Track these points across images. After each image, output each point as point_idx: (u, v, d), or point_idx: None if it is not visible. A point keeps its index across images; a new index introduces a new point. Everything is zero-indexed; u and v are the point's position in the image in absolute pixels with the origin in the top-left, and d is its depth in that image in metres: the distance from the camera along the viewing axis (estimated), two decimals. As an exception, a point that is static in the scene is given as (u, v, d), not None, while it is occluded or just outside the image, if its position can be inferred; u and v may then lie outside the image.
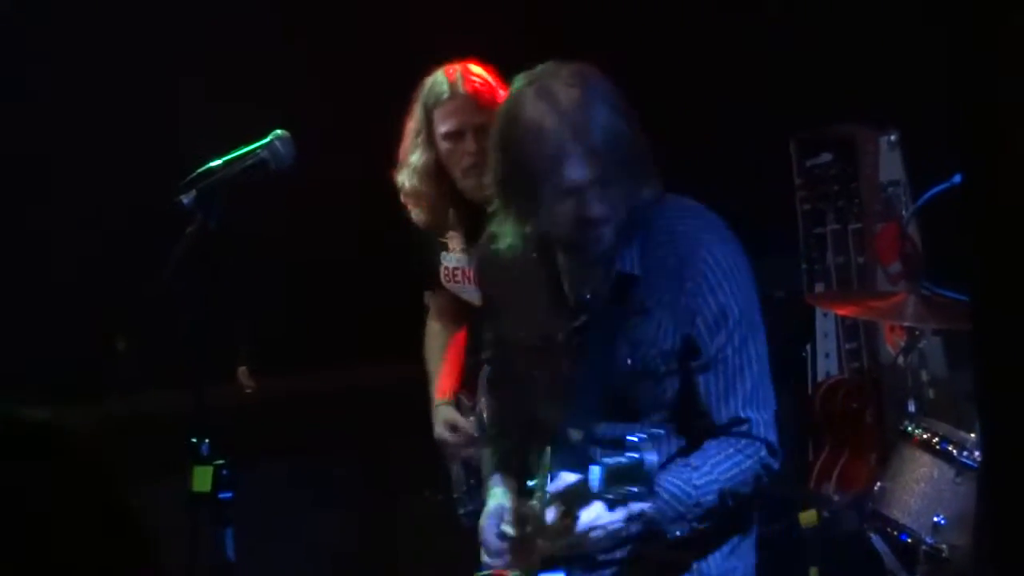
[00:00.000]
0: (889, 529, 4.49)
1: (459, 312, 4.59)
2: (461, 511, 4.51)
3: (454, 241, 4.50)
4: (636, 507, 3.15)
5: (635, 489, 3.03)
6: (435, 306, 4.71)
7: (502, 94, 3.91)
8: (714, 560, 3.41)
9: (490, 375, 3.84)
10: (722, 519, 3.33)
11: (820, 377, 6.11)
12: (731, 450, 3.28)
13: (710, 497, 3.26)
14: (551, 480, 3.26)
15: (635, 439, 3.03)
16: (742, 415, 3.28)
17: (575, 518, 3.15)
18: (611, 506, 3.12)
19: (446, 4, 5.62)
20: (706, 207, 3.40)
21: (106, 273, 5.34)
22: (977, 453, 4.35)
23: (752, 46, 5.80)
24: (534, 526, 3.33)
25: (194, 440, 3.38)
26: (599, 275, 3.31)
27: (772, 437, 3.32)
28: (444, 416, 4.50)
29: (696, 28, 5.88)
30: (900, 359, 5.53)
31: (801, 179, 6.31)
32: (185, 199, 3.45)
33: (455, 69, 4.30)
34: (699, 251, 3.27)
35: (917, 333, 5.38)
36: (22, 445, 1.71)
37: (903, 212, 5.80)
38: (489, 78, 4.31)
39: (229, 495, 3.37)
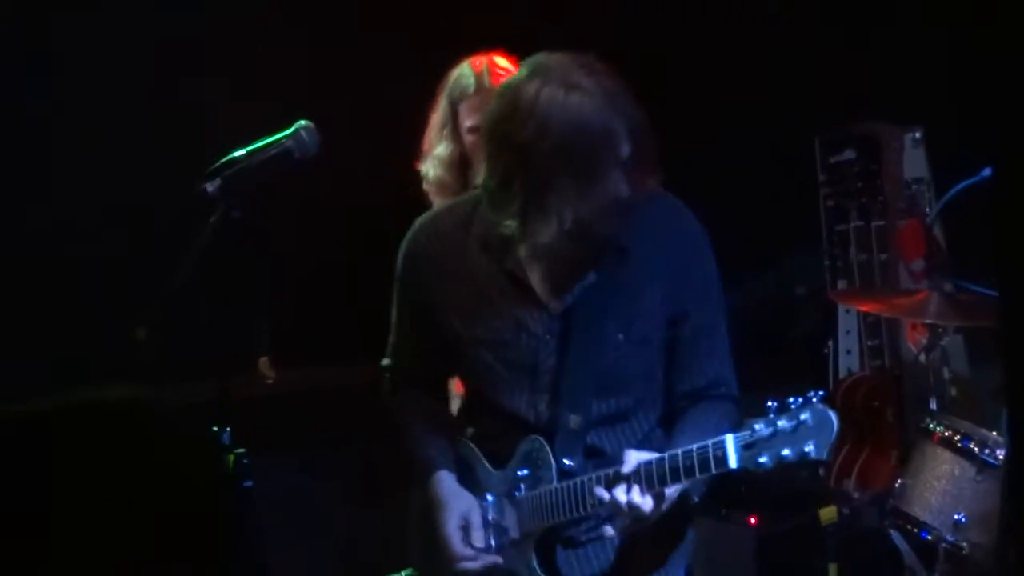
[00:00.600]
0: (909, 526, 4.48)
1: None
2: None
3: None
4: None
5: (764, 459, 3.05)
6: None
7: None
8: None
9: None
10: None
11: (842, 374, 6.11)
12: (717, 416, 3.36)
13: None
14: (587, 468, 3.30)
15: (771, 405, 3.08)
16: (721, 374, 3.43)
17: (662, 495, 3.18)
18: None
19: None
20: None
21: (128, 263, 5.36)
22: (999, 451, 4.33)
23: (777, 45, 5.80)
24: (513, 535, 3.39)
25: (215, 428, 3.40)
26: (586, 256, 3.33)
27: (736, 391, 3.48)
28: None
29: (722, 28, 5.87)
30: (922, 356, 5.53)
31: (825, 176, 6.31)
32: (210, 187, 3.47)
33: (481, 62, 4.28)
34: (684, 222, 3.42)
35: (939, 330, 5.37)
36: (113, 421, 1.74)
37: (927, 209, 5.80)
38: (515, 71, 4.29)
39: (249, 484, 3.38)
